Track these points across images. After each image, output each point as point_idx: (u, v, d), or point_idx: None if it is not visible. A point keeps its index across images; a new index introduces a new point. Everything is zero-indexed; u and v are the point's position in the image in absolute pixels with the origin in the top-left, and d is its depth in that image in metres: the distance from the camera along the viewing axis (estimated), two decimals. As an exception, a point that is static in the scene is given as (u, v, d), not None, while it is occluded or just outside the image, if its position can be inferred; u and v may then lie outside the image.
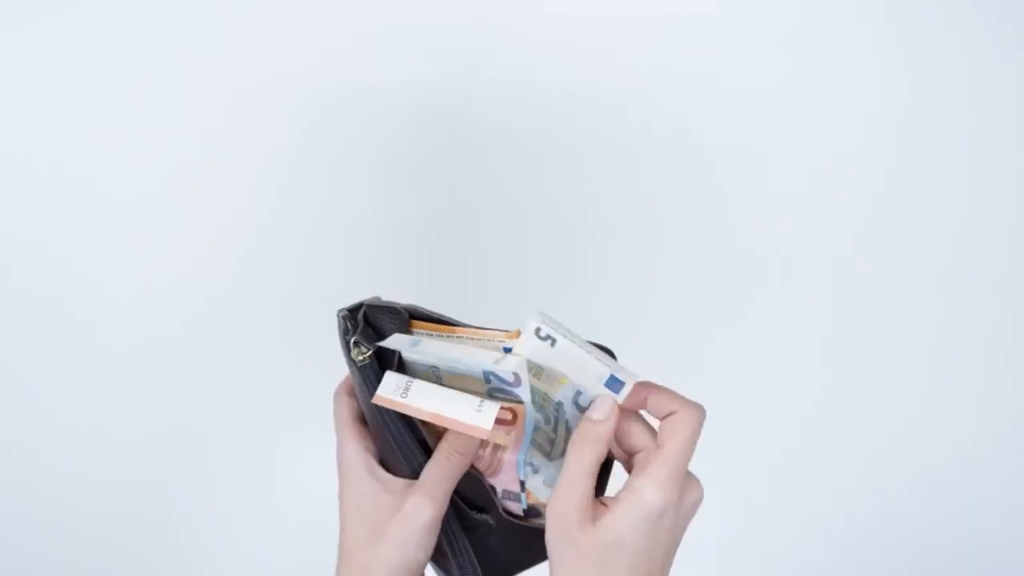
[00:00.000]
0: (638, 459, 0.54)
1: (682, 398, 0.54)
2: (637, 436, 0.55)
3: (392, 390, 0.55)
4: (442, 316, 0.57)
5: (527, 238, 1.00)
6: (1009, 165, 0.99)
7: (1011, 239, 1.00)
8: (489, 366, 0.54)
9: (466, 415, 0.54)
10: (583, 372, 0.54)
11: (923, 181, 0.99)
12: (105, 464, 1.00)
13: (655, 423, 0.56)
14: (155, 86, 0.93)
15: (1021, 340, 1.03)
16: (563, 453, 0.55)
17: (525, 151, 0.97)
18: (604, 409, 0.54)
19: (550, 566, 0.54)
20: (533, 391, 0.55)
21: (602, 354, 0.55)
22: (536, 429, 0.56)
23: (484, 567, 0.61)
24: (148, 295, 0.97)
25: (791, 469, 1.06)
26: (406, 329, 0.57)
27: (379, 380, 0.56)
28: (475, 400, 0.55)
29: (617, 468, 0.58)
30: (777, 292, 1.02)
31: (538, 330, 0.54)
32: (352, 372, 0.58)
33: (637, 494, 0.52)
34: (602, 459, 0.54)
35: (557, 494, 0.53)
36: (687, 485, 0.53)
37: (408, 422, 0.57)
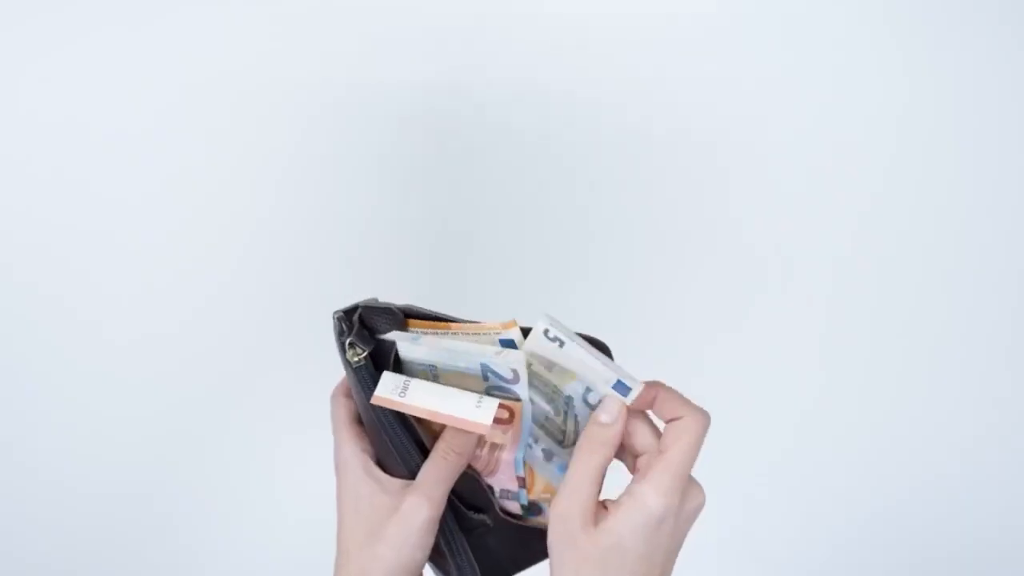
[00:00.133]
0: (641, 462, 0.54)
1: (689, 403, 0.54)
2: (641, 437, 0.55)
3: (390, 390, 0.56)
4: (437, 313, 0.57)
5: (527, 238, 1.00)
6: (1009, 165, 0.99)
7: (1011, 239, 1.00)
8: (489, 358, 0.54)
9: (465, 411, 0.54)
10: (591, 374, 0.54)
11: (923, 181, 0.99)
12: (105, 464, 1.00)
13: (660, 424, 0.56)
14: (155, 86, 0.93)
15: (1021, 340, 1.03)
16: (575, 442, 0.55)
17: (525, 151, 0.97)
18: (612, 412, 0.54)
19: (551, 566, 0.54)
20: (544, 383, 0.55)
21: (607, 359, 0.55)
22: (547, 418, 0.56)
23: (482, 567, 0.61)
24: (148, 295, 0.97)
25: (791, 469, 1.06)
26: (402, 329, 0.57)
27: (375, 381, 0.56)
28: (474, 397, 0.55)
29: (619, 467, 0.58)
30: (777, 292, 1.02)
31: (546, 331, 0.54)
32: (348, 373, 0.58)
33: (638, 499, 0.52)
34: (609, 462, 0.54)
35: (561, 496, 0.53)
36: (689, 490, 0.53)
37: (404, 422, 0.57)
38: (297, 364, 0.98)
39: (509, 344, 0.55)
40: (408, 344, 0.56)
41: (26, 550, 1.01)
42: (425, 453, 0.58)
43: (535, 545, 0.61)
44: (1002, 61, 0.96)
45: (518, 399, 0.56)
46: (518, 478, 0.60)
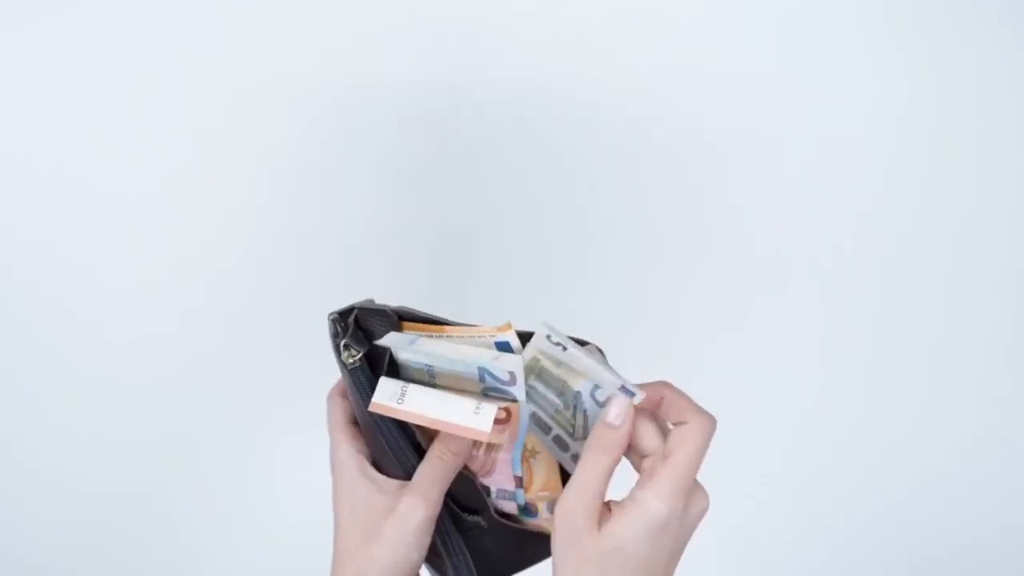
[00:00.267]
0: (646, 464, 0.54)
1: (696, 407, 0.54)
2: (648, 439, 0.54)
3: (387, 397, 0.56)
4: (431, 316, 0.58)
5: (527, 238, 1.00)
6: (1009, 165, 0.99)
7: (1011, 239, 1.00)
8: (487, 363, 0.54)
9: (465, 418, 0.54)
10: (597, 375, 0.55)
11: (923, 181, 0.99)
12: (105, 464, 1.00)
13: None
14: (155, 86, 0.93)
15: (1021, 340, 1.03)
16: (586, 435, 0.55)
17: (525, 151, 0.97)
18: (620, 413, 0.54)
19: (553, 564, 0.54)
20: (553, 378, 0.55)
21: (608, 366, 0.55)
22: (557, 411, 0.56)
23: (478, 568, 0.61)
24: (148, 295, 0.97)
25: (791, 469, 1.06)
26: (397, 331, 0.57)
27: (370, 382, 0.57)
28: (472, 402, 0.55)
29: (626, 466, 0.58)
30: (777, 292, 1.02)
31: (548, 336, 0.54)
32: (343, 375, 0.58)
33: (641, 504, 0.52)
34: (616, 463, 0.54)
35: (566, 495, 0.53)
36: (693, 495, 0.53)
37: (400, 424, 0.58)
38: (297, 364, 0.98)
39: (504, 347, 0.55)
40: (405, 347, 0.56)
41: (26, 550, 1.01)
42: (421, 454, 0.58)
43: (530, 548, 0.61)
44: (1002, 61, 0.96)
45: (515, 400, 0.56)
46: (515, 477, 0.60)
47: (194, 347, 0.99)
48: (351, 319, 0.57)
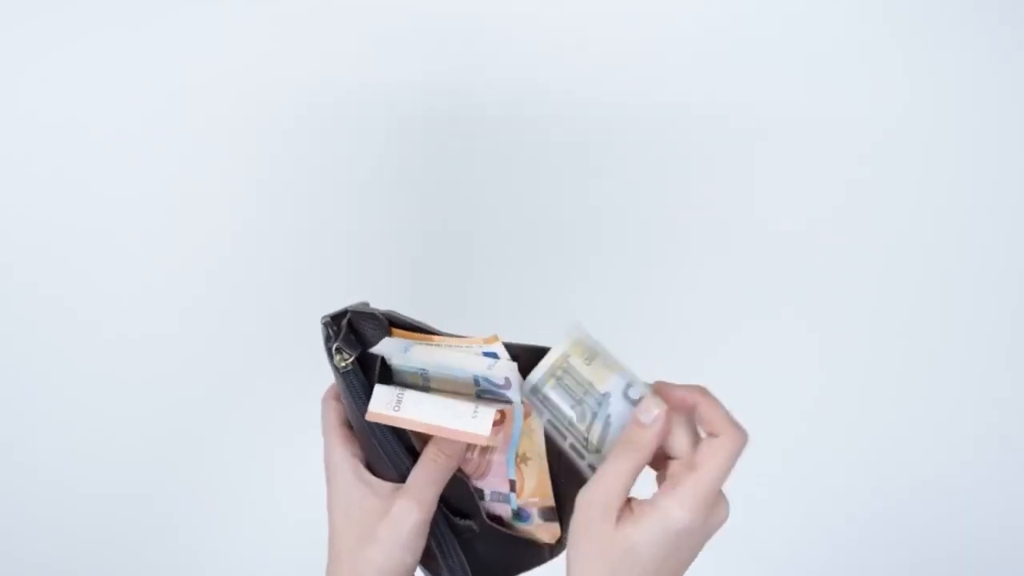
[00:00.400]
0: (672, 468, 0.53)
1: (729, 420, 0.53)
2: (678, 441, 0.54)
3: (384, 404, 0.56)
4: (420, 324, 0.58)
5: (527, 239, 1.00)
6: (1009, 165, 0.99)
7: (1011, 239, 1.00)
8: (482, 371, 0.54)
9: (463, 423, 0.54)
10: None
11: (923, 181, 0.99)
12: (105, 464, 1.00)
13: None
14: (155, 86, 0.93)
15: (1021, 340, 1.03)
16: (598, 451, 0.55)
17: (526, 152, 0.97)
18: (652, 413, 0.53)
19: (567, 552, 0.54)
20: (576, 381, 0.55)
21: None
22: (569, 424, 0.55)
23: (473, 570, 0.61)
24: (148, 295, 0.97)
25: (791, 469, 1.06)
26: (387, 335, 0.57)
27: (362, 386, 0.57)
28: (469, 406, 0.55)
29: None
30: (777, 292, 1.02)
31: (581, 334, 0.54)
32: (336, 378, 0.58)
33: (662, 511, 0.51)
34: (644, 463, 0.53)
35: (591, 486, 0.53)
36: (715, 505, 0.52)
37: (393, 427, 0.58)
38: (297, 364, 0.98)
39: (492, 357, 0.55)
40: (399, 355, 0.56)
41: (26, 550, 1.01)
42: (415, 456, 0.58)
43: (522, 553, 0.61)
44: (1002, 61, 0.96)
45: (509, 401, 0.56)
46: (509, 481, 0.60)
47: (194, 347, 0.99)
48: (344, 323, 0.57)
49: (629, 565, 0.51)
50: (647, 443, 0.53)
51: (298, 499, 1.01)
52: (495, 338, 0.55)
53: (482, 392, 0.56)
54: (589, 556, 0.52)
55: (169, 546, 1.03)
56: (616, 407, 0.55)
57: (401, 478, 0.58)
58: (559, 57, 0.95)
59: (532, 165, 0.98)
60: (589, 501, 0.53)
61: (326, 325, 0.57)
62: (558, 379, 0.55)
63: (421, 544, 0.58)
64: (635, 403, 0.54)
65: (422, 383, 0.58)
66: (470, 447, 0.58)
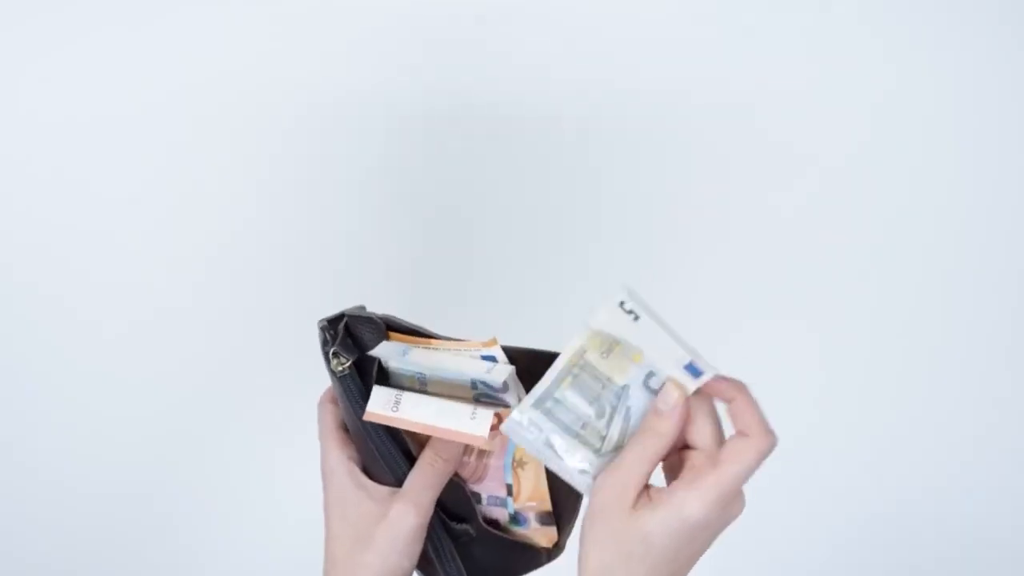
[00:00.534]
0: (694, 461, 0.53)
1: (762, 422, 0.52)
2: (700, 431, 0.53)
3: (382, 404, 0.56)
4: (417, 327, 0.58)
5: (527, 238, 1.00)
6: (1009, 165, 0.99)
7: (1011, 239, 1.00)
8: (480, 375, 0.54)
9: (461, 424, 0.54)
10: (662, 353, 0.53)
11: (923, 181, 0.99)
12: (105, 464, 1.00)
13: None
14: (155, 86, 0.93)
15: (1021, 340, 1.03)
16: (615, 448, 0.54)
17: (526, 152, 0.97)
18: (670, 400, 0.52)
19: (580, 536, 0.54)
20: (593, 376, 0.54)
21: (685, 340, 0.53)
22: (584, 426, 0.55)
23: (470, 574, 0.61)
24: (148, 295, 0.97)
25: (791, 469, 1.06)
26: (384, 339, 0.57)
27: (359, 390, 0.57)
28: (467, 408, 0.55)
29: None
30: (777, 292, 1.02)
31: (622, 303, 0.53)
32: (332, 382, 0.58)
33: (679, 503, 0.51)
34: (663, 452, 0.52)
35: (609, 471, 0.53)
36: (732, 502, 0.52)
37: (390, 430, 0.58)
38: (298, 363, 0.98)
39: (491, 360, 0.55)
40: (397, 358, 0.56)
41: (26, 550, 1.01)
42: (411, 460, 0.58)
43: (519, 557, 0.61)
44: (1002, 61, 0.96)
45: (507, 405, 0.56)
46: (506, 485, 0.60)
47: (194, 347, 0.99)
48: (340, 326, 0.57)
49: (641, 554, 0.51)
50: (666, 431, 0.52)
51: (298, 499, 1.01)
52: (493, 341, 0.55)
53: (479, 396, 0.56)
54: (601, 541, 0.52)
55: (169, 546, 1.03)
56: (636, 399, 0.54)
57: (398, 482, 0.58)
58: (559, 57, 0.95)
59: (532, 165, 0.98)
60: (606, 486, 0.52)
61: (323, 329, 0.57)
62: (575, 376, 0.54)
63: (418, 549, 0.58)
64: (656, 392, 0.54)
65: (419, 387, 0.58)
66: (467, 451, 0.58)
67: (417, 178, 0.98)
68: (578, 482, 0.55)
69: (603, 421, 0.54)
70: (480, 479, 0.60)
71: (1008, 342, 1.03)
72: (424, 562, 0.60)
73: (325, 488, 0.61)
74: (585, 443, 0.55)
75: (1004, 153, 0.98)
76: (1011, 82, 0.97)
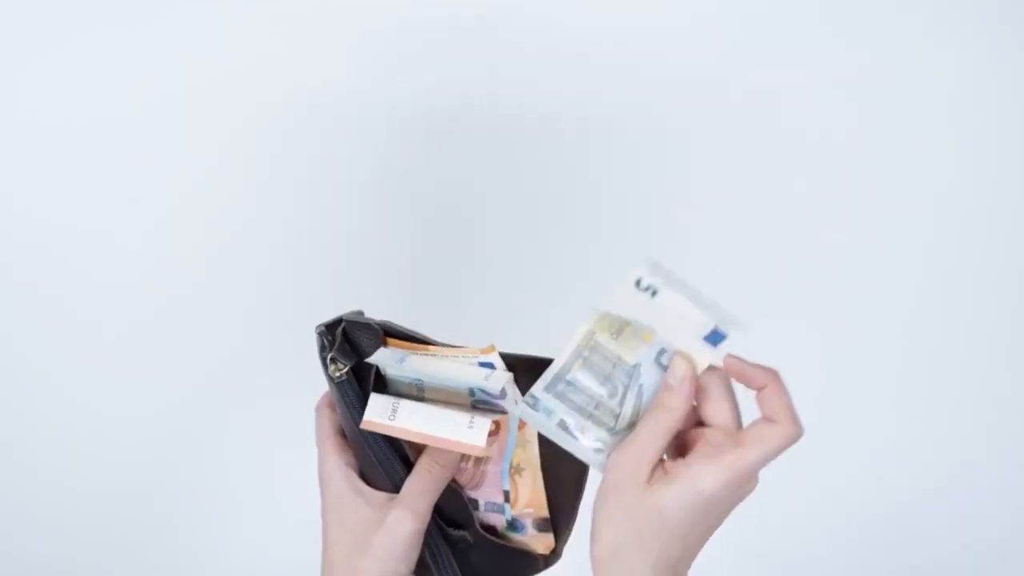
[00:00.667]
0: (711, 437, 0.52)
1: (791, 411, 0.52)
2: (717, 408, 0.53)
3: (379, 413, 0.56)
4: (415, 334, 0.57)
5: (527, 238, 1.00)
6: (1009, 165, 0.99)
7: (1011, 239, 1.00)
8: (477, 383, 0.54)
9: (459, 433, 0.54)
10: (680, 323, 0.53)
11: (923, 181, 0.99)
12: (105, 464, 1.00)
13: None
14: (155, 86, 0.93)
15: (1021, 340, 1.03)
16: (629, 426, 0.54)
17: (526, 152, 0.97)
18: (678, 374, 0.52)
19: (593, 511, 0.53)
20: (604, 356, 0.54)
21: (712, 303, 0.53)
22: (597, 406, 0.54)
23: None
24: (148, 295, 0.97)
25: (791, 469, 1.05)
26: (381, 345, 0.57)
27: (357, 396, 0.57)
28: (464, 416, 0.55)
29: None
30: (778, 292, 1.02)
31: (639, 281, 0.52)
32: (330, 388, 0.58)
33: (696, 479, 0.50)
34: (676, 425, 0.52)
35: (622, 448, 0.53)
36: (746, 481, 0.52)
37: (388, 436, 0.58)
38: (298, 363, 0.98)
39: (488, 367, 0.55)
40: (394, 365, 0.56)
41: (26, 550, 1.01)
42: (409, 466, 0.58)
43: (516, 564, 0.61)
44: (1002, 61, 0.96)
45: (505, 412, 0.56)
46: (503, 491, 0.60)
47: (194, 347, 0.99)
48: (338, 332, 0.57)
49: (655, 529, 0.51)
50: (677, 405, 0.52)
51: (298, 499, 1.01)
52: (491, 348, 0.55)
53: (477, 402, 0.56)
54: (615, 517, 0.52)
55: (169, 546, 1.03)
56: (648, 377, 0.54)
57: (395, 488, 0.58)
58: (559, 57, 0.95)
59: (532, 165, 0.98)
60: (620, 462, 0.52)
61: (321, 335, 0.57)
62: (585, 359, 0.54)
63: (415, 555, 0.58)
64: (666, 369, 0.53)
65: (417, 393, 0.58)
66: (464, 457, 0.58)
67: (417, 178, 0.98)
68: (593, 461, 0.55)
69: (616, 400, 0.54)
70: (478, 485, 0.60)
71: (1008, 342, 1.03)
72: (421, 568, 0.60)
73: (322, 494, 0.61)
74: (599, 423, 0.54)
75: (1004, 153, 0.98)
76: (1011, 82, 0.97)
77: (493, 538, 0.61)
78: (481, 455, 0.55)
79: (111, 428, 0.99)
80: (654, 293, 0.53)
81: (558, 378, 0.54)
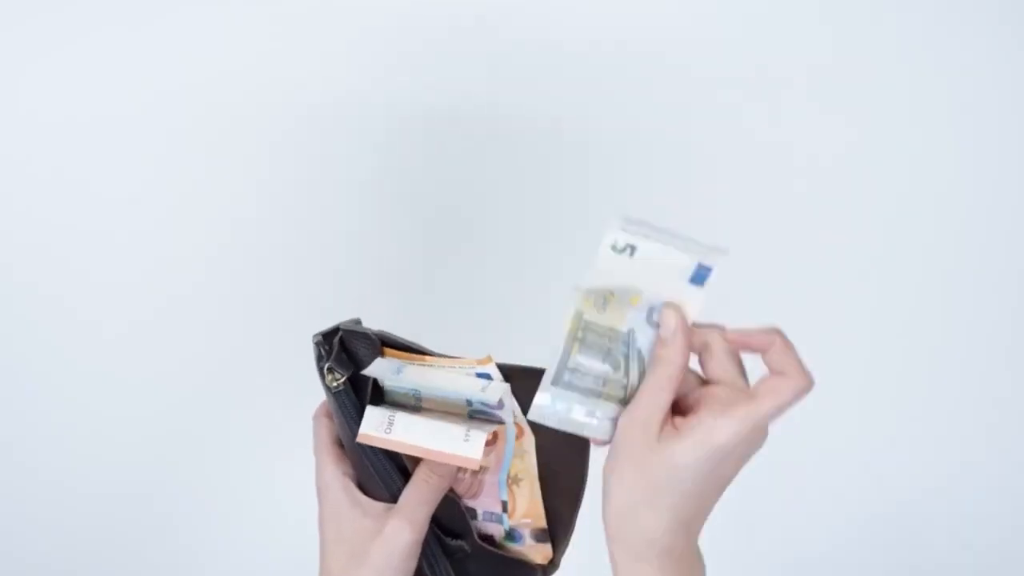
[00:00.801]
0: (719, 393, 0.52)
1: (800, 364, 0.52)
2: (722, 365, 0.53)
3: (375, 426, 0.56)
4: (412, 344, 0.57)
5: (528, 239, 1.00)
6: (1009, 165, 0.99)
7: (1011, 239, 1.00)
8: (475, 394, 0.54)
9: (455, 447, 0.54)
10: (664, 273, 0.53)
11: (923, 181, 0.99)
12: (105, 464, 1.00)
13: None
14: (155, 86, 0.93)
15: (1021, 340, 1.03)
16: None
17: (526, 152, 0.97)
18: (669, 325, 0.52)
19: (603, 475, 0.53)
20: (598, 334, 0.53)
21: (689, 239, 0.53)
22: (605, 382, 0.54)
23: None
24: (148, 295, 0.97)
25: (791, 469, 1.06)
26: (379, 355, 0.57)
27: (354, 405, 0.57)
28: (461, 428, 0.55)
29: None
30: (777, 292, 1.01)
31: (614, 244, 0.52)
32: (328, 397, 0.58)
33: (710, 432, 0.50)
34: (679, 376, 0.52)
35: (628, 410, 0.52)
36: (757, 434, 0.52)
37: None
38: (298, 363, 0.98)
39: (485, 378, 0.55)
40: (392, 376, 0.56)
41: (26, 550, 1.01)
42: (407, 476, 0.58)
43: (513, 574, 0.61)
44: (1002, 61, 0.96)
45: (501, 422, 0.56)
46: (501, 501, 0.60)
47: (194, 347, 0.99)
48: (335, 341, 0.57)
49: (667, 486, 0.50)
50: (674, 356, 0.52)
51: (298, 499, 1.01)
52: (489, 359, 0.55)
53: (474, 412, 0.56)
54: (625, 478, 0.51)
55: (169, 546, 1.03)
56: (644, 338, 0.54)
57: (393, 498, 0.58)
58: (559, 57, 0.95)
59: (532, 165, 0.98)
60: (628, 422, 0.52)
61: (318, 344, 0.57)
62: (581, 340, 0.53)
63: (412, 565, 0.58)
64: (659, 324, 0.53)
65: (414, 403, 0.58)
66: (462, 468, 0.58)
67: (417, 178, 0.98)
68: (612, 432, 0.54)
69: (620, 372, 0.54)
70: (475, 495, 0.60)
71: (1008, 342, 1.03)
72: None
73: (320, 504, 0.61)
74: (609, 398, 0.54)
75: (1004, 153, 0.98)
76: (1011, 82, 0.97)
77: (491, 548, 0.61)
78: (477, 468, 0.55)
79: (111, 428, 0.99)
80: (632, 251, 0.52)
81: (561, 368, 0.53)
